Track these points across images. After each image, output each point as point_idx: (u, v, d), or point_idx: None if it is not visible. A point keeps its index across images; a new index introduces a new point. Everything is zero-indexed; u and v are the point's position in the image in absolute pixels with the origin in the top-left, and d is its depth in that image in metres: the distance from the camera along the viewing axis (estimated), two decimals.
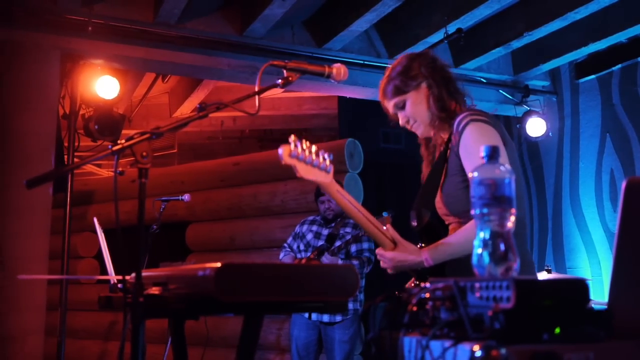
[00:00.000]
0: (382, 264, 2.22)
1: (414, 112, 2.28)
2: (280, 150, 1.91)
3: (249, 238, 6.25)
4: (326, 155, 2.03)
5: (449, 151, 2.22)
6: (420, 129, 2.32)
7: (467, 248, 2.06)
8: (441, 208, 2.26)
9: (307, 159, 1.96)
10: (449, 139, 2.23)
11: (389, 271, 2.21)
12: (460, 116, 2.19)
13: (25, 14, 4.50)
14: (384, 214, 3.98)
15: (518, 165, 2.26)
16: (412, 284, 2.22)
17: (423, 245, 2.18)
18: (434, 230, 2.22)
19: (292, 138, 1.93)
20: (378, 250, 2.21)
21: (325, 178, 2.03)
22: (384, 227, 2.18)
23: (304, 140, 1.97)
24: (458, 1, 4.90)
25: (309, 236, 4.84)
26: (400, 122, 2.33)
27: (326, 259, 4.43)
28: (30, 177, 1.66)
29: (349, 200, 2.10)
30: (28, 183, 1.67)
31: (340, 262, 4.51)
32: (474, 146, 2.09)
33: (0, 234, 4.50)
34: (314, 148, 1.99)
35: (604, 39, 5.31)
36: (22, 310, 4.47)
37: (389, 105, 2.33)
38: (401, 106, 2.30)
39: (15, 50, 4.61)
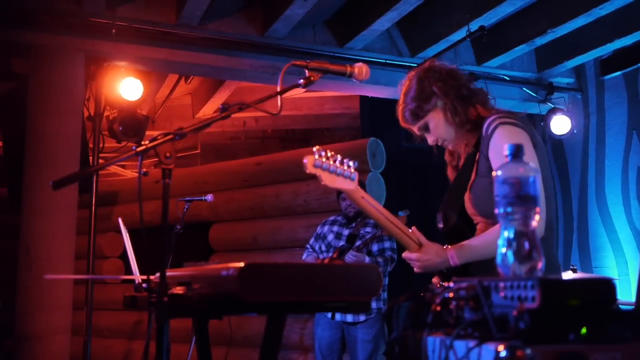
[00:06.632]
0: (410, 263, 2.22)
1: (438, 133, 2.28)
2: (305, 160, 1.92)
3: (272, 238, 6.27)
4: (350, 163, 2.03)
5: (478, 153, 2.21)
6: (451, 145, 2.32)
7: (493, 250, 2.05)
8: (469, 208, 2.25)
9: (331, 168, 1.97)
10: (478, 141, 2.22)
11: (416, 270, 2.21)
12: (490, 119, 2.17)
13: (50, 17, 4.56)
14: (400, 214, 3.95)
15: (548, 168, 2.23)
16: (438, 284, 2.21)
17: (449, 247, 2.17)
18: (461, 233, 2.21)
19: (316, 148, 1.94)
20: (404, 254, 2.21)
21: (349, 185, 2.03)
22: (410, 230, 2.17)
23: (327, 150, 1.97)
24: None
25: (330, 237, 4.83)
26: (430, 142, 2.33)
27: (351, 255, 4.42)
28: (56, 179, 1.69)
29: (373, 206, 2.09)
30: (54, 184, 1.69)
31: (367, 258, 4.50)
32: (503, 148, 2.08)
33: (27, 234, 4.56)
34: (338, 157, 2.00)
35: (629, 35, 5.23)
36: (49, 309, 4.54)
37: (414, 129, 2.33)
38: (425, 128, 2.30)
39: (40, 54, 4.68)
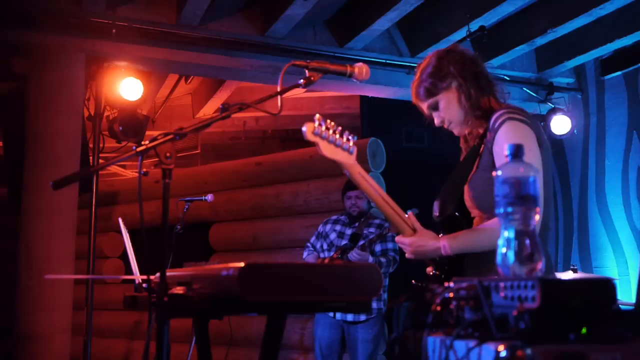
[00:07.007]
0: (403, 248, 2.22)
1: (447, 114, 2.26)
2: (304, 128, 1.88)
3: (272, 238, 6.27)
4: (350, 137, 2.00)
5: (482, 146, 2.20)
6: (457, 129, 2.30)
7: (486, 244, 2.04)
8: (468, 201, 2.25)
9: (330, 138, 1.93)
10: (484, 134, 2.21)
11: (408, 255, 2.20)
12: (498, 113, 2.16)
13: (50, 17, 4.56)
14: (409, 212, 3.95)
15: (550, 169, 2.22)
16: (431, 273, 2.22)
17: (443, 236, 2.17)
18: (455, 223, 2.21)
19: (317, 116, 1.91)
20: (397, 238, 2.20)
21: (347, 159, 2.00)
22: (406, 215, 2.17)
23: (328, 120, 1.95)
24: None
25: (332, 236, 4.83)
26: (436, 123, 2.31)
27: (356, 254, 4.40)
28: (57, 179, 1.69)
29: (370, 184, 2.07)
30: (54, 184, 1.69)
31: (370, 258, 4.49)
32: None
33: (27, 234, 4.57)
34: (339, 128, 1.97)
35: (629, 35, 5.23)
36: (49, 309, 4.54)
37: (423, 106, 2.31)
38: (434, 107, 2.28)
39: (40, 54, 4.68)
